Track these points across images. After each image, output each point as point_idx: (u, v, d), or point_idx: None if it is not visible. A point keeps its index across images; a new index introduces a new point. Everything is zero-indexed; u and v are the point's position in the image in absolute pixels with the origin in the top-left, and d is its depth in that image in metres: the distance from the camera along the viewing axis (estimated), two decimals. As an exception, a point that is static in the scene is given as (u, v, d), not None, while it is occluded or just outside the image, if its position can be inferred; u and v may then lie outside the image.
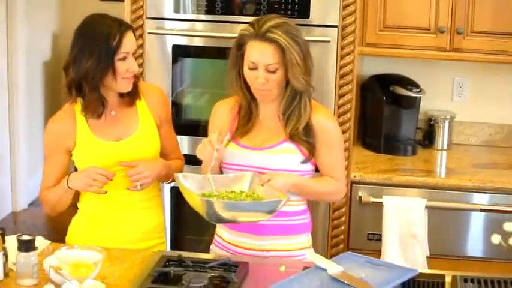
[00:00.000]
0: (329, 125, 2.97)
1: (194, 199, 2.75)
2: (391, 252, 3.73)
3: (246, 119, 2.97)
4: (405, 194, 3.77)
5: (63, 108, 3.05)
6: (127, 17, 3.78)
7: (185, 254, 2.81)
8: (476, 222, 3.78)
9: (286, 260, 2.91)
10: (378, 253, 3.72)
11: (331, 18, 3.68)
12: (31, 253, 2.61)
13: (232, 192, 2.85)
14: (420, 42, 3.92)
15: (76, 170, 3.06)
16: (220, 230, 3.04)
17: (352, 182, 3.81)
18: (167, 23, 3.81)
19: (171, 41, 3.81)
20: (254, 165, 2.92)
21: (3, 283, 2.63)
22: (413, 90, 4.06)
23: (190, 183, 2.84)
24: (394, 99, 4.11)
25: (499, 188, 3.73)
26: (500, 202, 3.73)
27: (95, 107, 2.96)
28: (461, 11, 3.87)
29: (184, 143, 3.75)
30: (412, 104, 4.13)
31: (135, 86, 3.03)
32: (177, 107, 3.87)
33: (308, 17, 3.68)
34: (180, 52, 3.83)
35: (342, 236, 3.86)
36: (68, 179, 2.97)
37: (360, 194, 3.80)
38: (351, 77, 3.73)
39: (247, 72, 2.87)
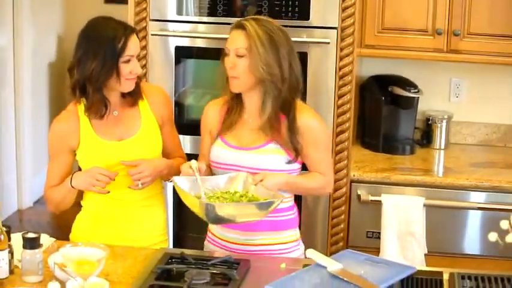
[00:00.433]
0: (313, 123, 2.99)
1: (192, 201, 2.77)
2: (389, 250, 3.74)
3: (231, 112, 3.01)
4: (403, 192, 3.78)
5: (68, 108, 3.06)
6: (131, 19, 3.79)
7: (187, 252, 2.82)
8: (474, 220, 3.79)
9: (287, 257, 2.94)
10: (377, 251, 3.73)
11: (330, 20, 3.69)
12: (36, 250, 2.62)
13: (227, 192, 2.87)
14: (418, 44, 3.94)
15: (80, 169, 3.08)
16: (213, 226, 3.07)
17: (352, 181, 3.82)
18: (170, 25, 3.82)
19: (174, 42, 3.83)
20: (244, 165, 2.94)
21: (8, 280, 2.63)
22: (412, 91, 4.07)
23: (186, 186, 2.85)
24: (392, 99, 4.11)
25: (496, 187, 3.75)
26: (496, 200, 3.74)
27: (98, 108, 2.97)
28: (458, 13, 3.88)
29: (186, 142, 3.76)
30: (410, 104, 4.13)
31: (137, 86, 3.04)
32: (179, 107, 3.89)
33: (308, 19, 3.69)
34: (182, 53, 3.85)
35: (342, 234, 3.87)
36: (71, 178, 2.99)
37: (359, 192, 3.81)
38: (350, 78, 3.74)
39: (224, 61, 2.95)
